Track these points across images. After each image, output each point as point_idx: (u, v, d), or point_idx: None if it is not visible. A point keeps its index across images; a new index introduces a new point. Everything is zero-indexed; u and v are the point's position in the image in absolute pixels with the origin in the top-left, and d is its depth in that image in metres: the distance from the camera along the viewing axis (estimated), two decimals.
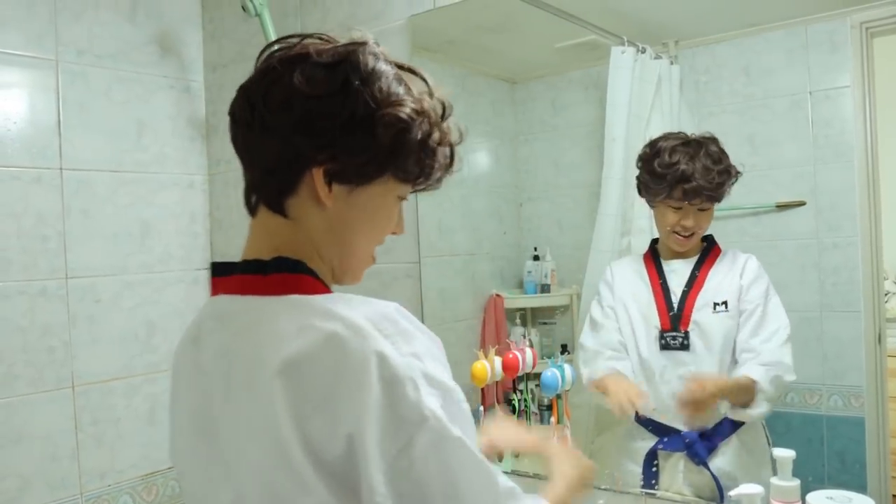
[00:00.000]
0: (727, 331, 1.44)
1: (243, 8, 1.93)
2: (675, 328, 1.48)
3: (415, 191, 0.85)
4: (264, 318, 0.75)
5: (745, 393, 1.39)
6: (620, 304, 1.57)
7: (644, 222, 1.62)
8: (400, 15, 1.84)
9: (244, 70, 0.82)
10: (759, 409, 1.39)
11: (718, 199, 1.45)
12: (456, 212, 1.89)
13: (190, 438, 0.83)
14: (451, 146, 0.82)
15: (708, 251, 1.50)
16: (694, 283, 1.48)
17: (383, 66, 0.78)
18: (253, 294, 0.79)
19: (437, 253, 1.86)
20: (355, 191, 0.79)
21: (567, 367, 1.60)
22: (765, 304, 1.43)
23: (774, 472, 1.23)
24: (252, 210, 0.83)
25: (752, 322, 1.43)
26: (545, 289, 1.81)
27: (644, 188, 1.53)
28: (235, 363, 0.76)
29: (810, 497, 1.17)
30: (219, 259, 2.27)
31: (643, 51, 1.58)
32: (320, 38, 0.80)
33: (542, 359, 1.72)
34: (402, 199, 0.85)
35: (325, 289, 0.80)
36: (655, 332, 1.50)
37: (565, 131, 1.81)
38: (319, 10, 2.00)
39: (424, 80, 0.82)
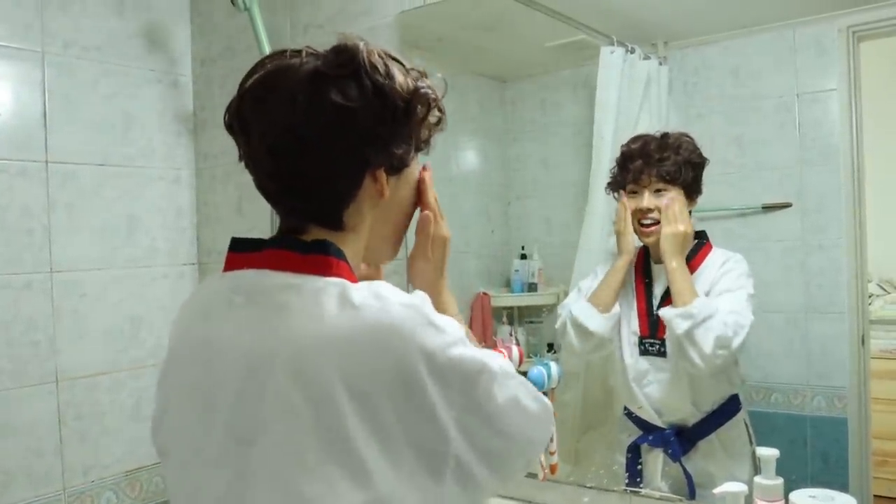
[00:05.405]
0: None
1: (232, 2, 1.92)
2: (653, 335, 1.46)
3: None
4: (307, 295, 0.76)
5: (680, 295, 1.37)
6: None
7: None
8: (389, 11, 1.83)
9: (233, 65, 0.83)
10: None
11: (671, 178, 1.42)
12: (444, 210, 1.88)
13: (187, 416, 0.81)
14: (441, 108, 0.89)
15: (694, 253, 1.44)
16: None
17: (386, 59, 0.83)
18: (290, 271, 0.79)
19: None
20: (402, 174, 0.88)
21: (553, 364, 1.58)
22: (731, 291, 1.38)
23: (756, 472, 1.24)
24: (295, 234, 0.84)
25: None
26: (532, 287, 1.81)
27: (609, 187, 1.53)
28: (270, 340, 0.75)
29: (793, 496, 1.17)
30: (206, 253, 2.26)
31: (632, 51, 1.59)
32: (309, 52, 0.82)
33: (529, 357, 1.72)
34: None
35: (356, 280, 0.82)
36: (635, 338, 1.49)
37: (554, 130, 1.81)
38: (309, 5, 1.99)
39: (396, 59, 0.85)
